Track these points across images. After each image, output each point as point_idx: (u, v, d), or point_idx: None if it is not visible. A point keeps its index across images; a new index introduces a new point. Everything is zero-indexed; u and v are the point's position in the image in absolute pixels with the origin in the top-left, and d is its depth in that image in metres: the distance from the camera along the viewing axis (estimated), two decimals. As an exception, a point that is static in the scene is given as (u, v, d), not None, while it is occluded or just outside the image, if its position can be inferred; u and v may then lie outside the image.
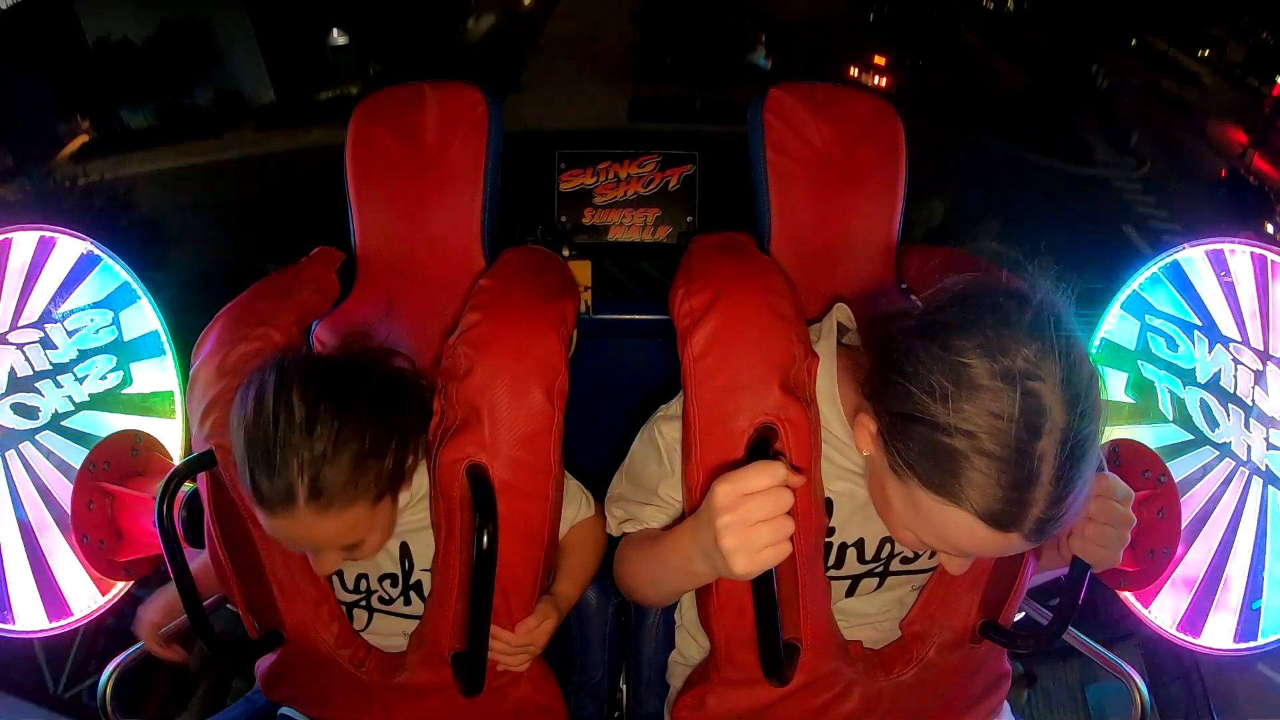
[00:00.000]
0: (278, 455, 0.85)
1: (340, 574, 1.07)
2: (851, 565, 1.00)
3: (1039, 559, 0.99)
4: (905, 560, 1.00)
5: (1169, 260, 1.29)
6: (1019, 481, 0.69)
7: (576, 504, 1.14)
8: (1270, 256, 1.21)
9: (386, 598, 1.07)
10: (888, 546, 0.99)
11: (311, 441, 0.86)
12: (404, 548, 1.05)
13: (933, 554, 1.00)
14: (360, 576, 1.07)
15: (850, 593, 1.01)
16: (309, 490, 0.86)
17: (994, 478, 0.69)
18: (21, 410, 1.31)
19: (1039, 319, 0.71)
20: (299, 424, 0.86)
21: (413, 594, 1.07)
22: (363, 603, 1.08)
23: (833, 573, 0.99)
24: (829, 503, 0.96)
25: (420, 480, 1.03)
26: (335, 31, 15.28)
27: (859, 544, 0.99)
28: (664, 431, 1.02)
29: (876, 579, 1.01)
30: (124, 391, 1.35)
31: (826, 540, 0.97)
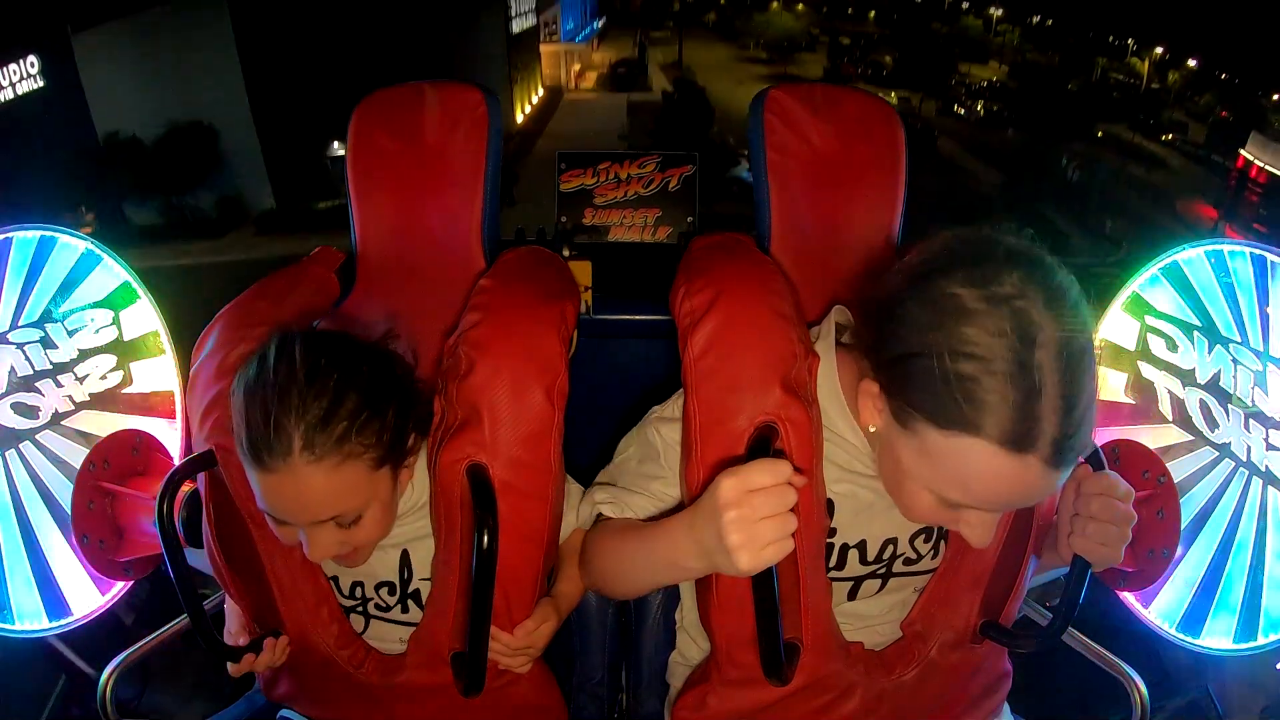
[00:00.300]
0: (275, 407, 0.84)
1: (336, 580, 1.06)
2: (853, 567, 0.99)
3: (1039, 557, 0.99)
4: (908, 561, 1.00)
5: (1169, 260, 1.29)
6: (1025, 395, 0.69)
7: (577, 508, 1.14)
8: (1270, 257, 1.21)
9: (383, 605, 1.07)
10: (890, 548, 0.99)
11: (309, 392, 0.84)
12: (404, 556, 1.05)
13: (935, 554, 1.00)
14: (356, 584, 1.06)
15: (852, 595, 1.01)
16: (304, 439, 0.84)
17: (1000, 394, 0.69)
18: (21, 410, 1.31)
19: (1016, 252, 0.73)
20: (299, 378, 0.85)
21: (410, 602, 1.07)
22: (359, 609, 1.08)
23: (834, 574, 0.99)
24: (830, 504, 0.96)
25: (421, 488, 1.03)
26: (336, 144, 15.49)
27: (861, 545, 0.99)
28: (662, 432, 1.02)
29: (879, 580, 1.01)
30: (124, 391, 1.35)
31: (828, 541, 0.97)
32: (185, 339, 1.24)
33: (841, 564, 0.99)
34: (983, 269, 0.72)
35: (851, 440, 0.95)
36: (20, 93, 12.44)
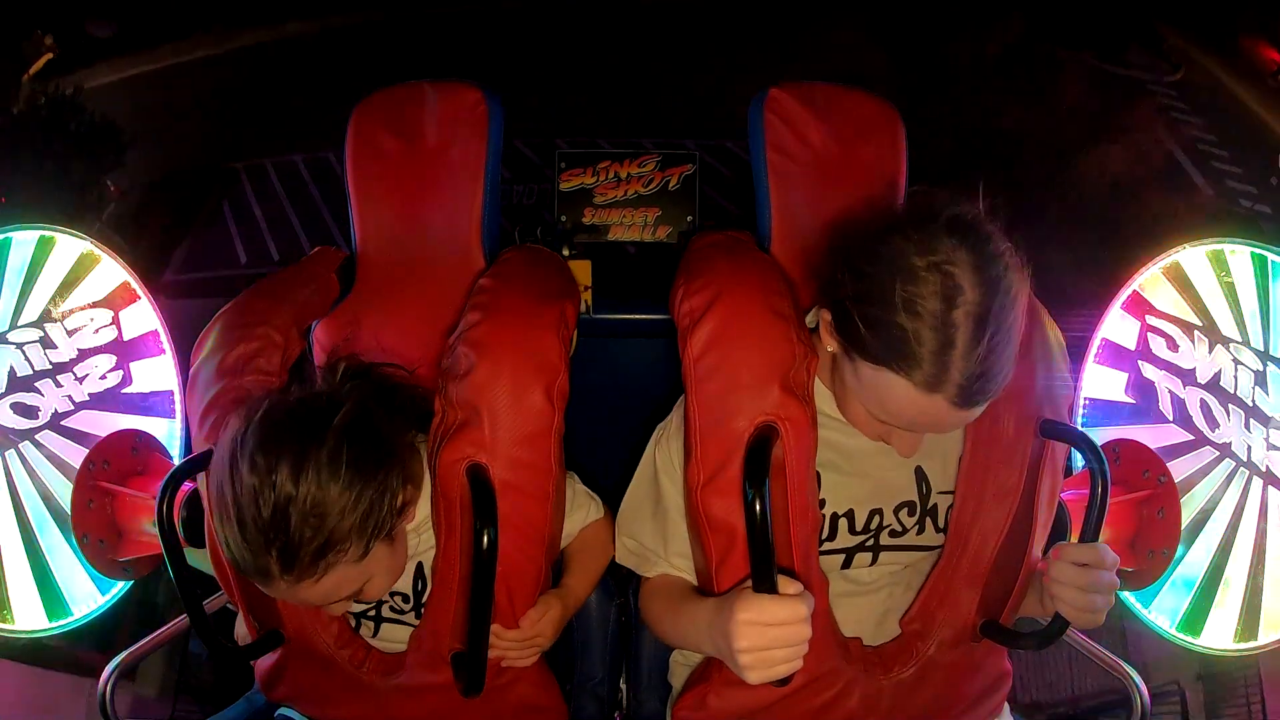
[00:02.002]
0: (241, 529, 0.82)
1: None
2: (844, 537, 1.00)
3: (1023, 598, 1.00)
4: (894, 534, 1.01)
5: (1169, 260, 1.29)
6: (941, 346, 0.79)
7: (585, 509, 1.14)
8: (1270, 256, 1.21)
9: (397, 609, 1.07)
10: (876, 518, 1.00)
11: (276, 524, 0.82)
12: (419, 569, 1.04)
13: (920, 530, 1.01)
14: None
15: (846, 565, 1.02)
16: (280, 565, 0.82)
17: (916, 343, 0.80)
18: (21, 410, 1.31)
19: (958, 220, 0.82)
20: (258, 496, 0.82)
21: (424, 610, 1.06)
22: (370, 613, 1.07)
23: (827, 546, 1.00)
24: (817, 475, 0.97)
25: (430, 503, 1.02)
26: None
27: (849, 515, 1.00)
28: (665, 447, 1.04)
29: (870, 554, 1.01)
30: (124, 391, 1.35)
31: (819, 512, 0.98)
32: (185, 339, 1.24)
33: (833, 534, 1.00)
34: (927, 232, 0.82)
35: (829, 411, 0.98)
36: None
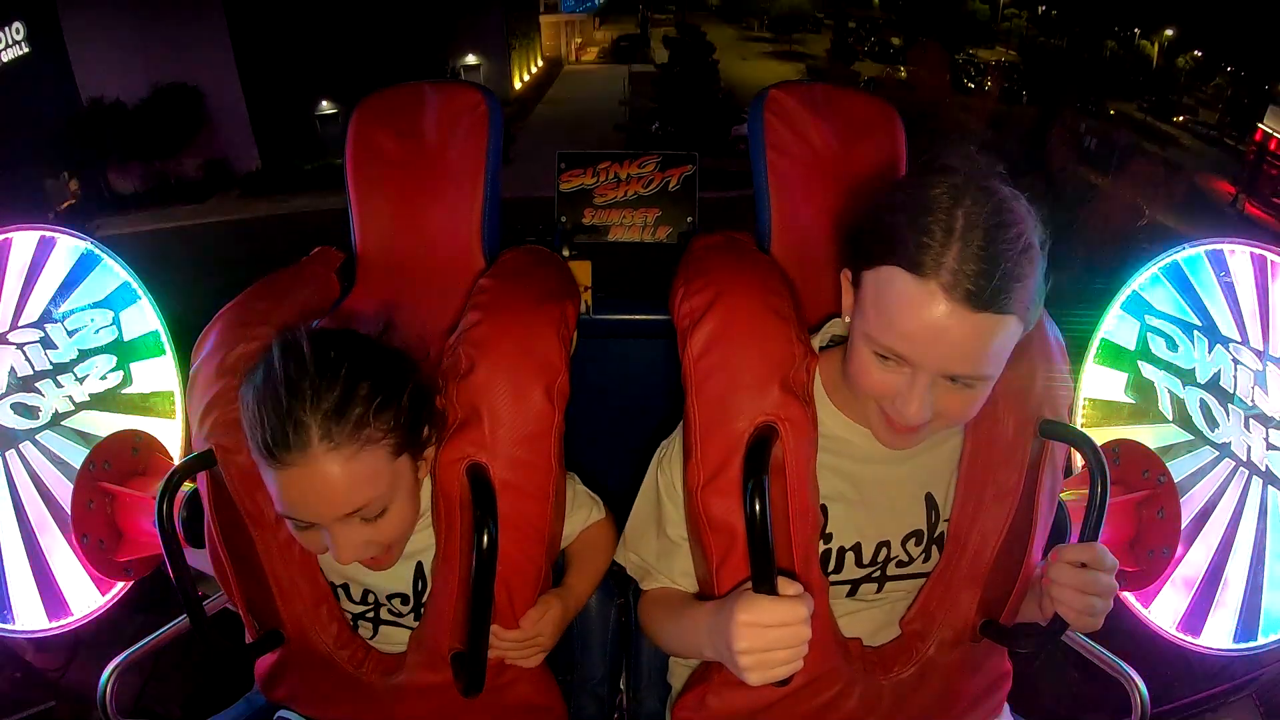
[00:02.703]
0: (289, 401, 0.83)
1: (346, 588, 1.06)
2: (850, 570, 1.00)
3: (1022, 598, 0.99)
4: (900, 564, 1.00)
5: (1169, 260, 1.29)
6: (939, 233, 0.78)
7: (586, 510, 1.14)
8: (1270, 256, 1.21)
9: (396, 612, 1.07)
10: (883, 550, 0.99)
11: (322, 382, 0.84)
12: (418, 568, 1.04)
13: (926, 558, 1.00)
14: (367, 591, 1.06)
15: (851, 594, 1.02)
16: (322, 429, 0.83)
17: (917, 230, 0.79)
18: (21, 410, 1.31)
19: (972, 159, 0.83)
20: (310, 371, 0.84)
21: (424, 610, 1.06)
22: (369, 614, 1.07)
23: (833, 578, 0.99)
24: (824, 509, 0.97)
25: (429, 496, 1.02)
26: (325, 102, 15.30)
27: (856, 548, 0.99)
28: (667, 470, 1.04)
29: (875, 584, 1.01)
30: (124, 391, 1.35)
31: (825, 547, 0.98)
32: (185, 339, 1.24)
33: (839, 567, 0.99)
34: (939, 169, 0.82)
35: (844, 436, 0.96)
36: (5, 59, 12.32)
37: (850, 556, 0.99)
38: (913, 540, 0.99)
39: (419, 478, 0.97)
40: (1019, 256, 0.78)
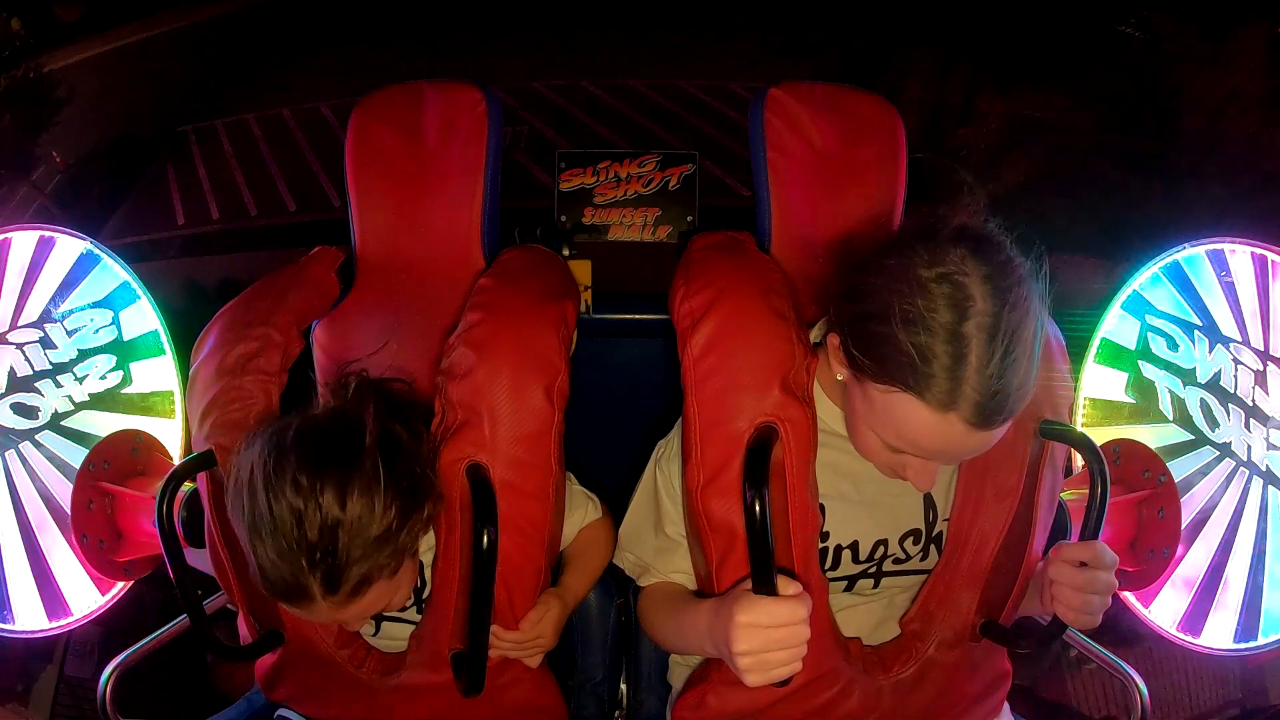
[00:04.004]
0: (286, 563, 0.82)
1: None
2: (847, 566, 1.00)
3: (1022, 598, 0.99)
4: (898, 561, 1.00)
5: (1169, 260, 1.29)
6: (950, 361, 0.76)
7: (583, 509, 1.14)
8: (1270, 256, 1.21)
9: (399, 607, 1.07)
10: (881, 548, 0.99)
11: (319, 546, 0.82)
12: (421, 568, 1.04)
13: (924, 556, 1.00)
14: None
15: (848, 589, 1.02)
16: (323, 587, 0.84)
17: (927, 359, 0.76)
18: (21, 410, 1.31)
19: (966, 229, 0.80)
20: (305, 515, 0.82)
21: (424, 610, 1.06)
22: None
23: (830, 574, 0.99)
24: (822, 507, 0.97)
25: None
26: None
27: (853, 546, 0.99)
28: (665, 469, 1.04)
29: (872, 580, 1.01)
30: (124, 391, 1.35)
31: (822, 545, 0.98)
32: (185, 339, 1.24)
33: (835, 564, 0.99)
34: (935, 243, 0.79)
35: (839, 431, 0.96)
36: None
37: (847, 554, 0.99)
38: (910, 539, 0.99)
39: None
40: (1026, 353, 0.78)
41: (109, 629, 1.37)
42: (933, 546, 1.00)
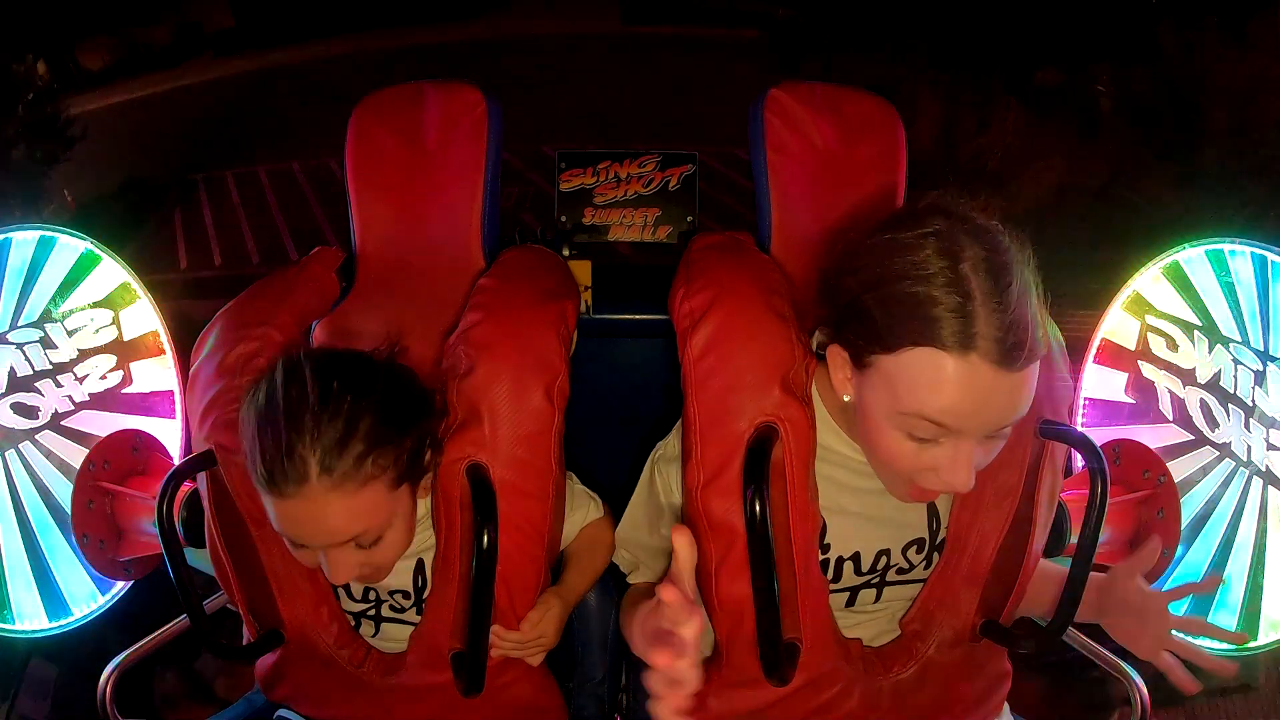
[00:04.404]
0: (290, 433, 0.82)
1: (347, 586, 1.05)
2: (849, 578, 1.00)
3: (1022, 598, 1.00)
4: (901, 571, 1.00)
5: (1169, 260, 1.29)
6: (956, 300, 0.74)
7: (584, 508, 1.14)
8: (1270, 256, 1.21)
9: (398, 607, 1.07)
10: (883, 559, 0.99)
11: (324, 416, 0.83)
12: (419, 565, 1.04)
13: (928, 565, 1.00)
14: (368, 589, 1.06)
15: (850, 604, 1.02)
16: (321, 464, 0.82)
17: (935, 304, 0.75)
18: (21, 410, 1.31)
19: (941, 203, 0.81)
20: (312, 402, 0.83)
21: (425, 610, 1.06)
22: (370, 613, 1.07)
23: (831, 587, 0.99)
24: (823, 521, 0.96)
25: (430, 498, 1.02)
26: None
27: (855, 557, 0.99)
28: (663, 470, 1.04)
29: (874, 590, 1.01)
30: (124, 391, 1.35)
31: (823, 557, 0.97)
32: (185, 339, 1.24)
33: (838, 576, 0.99)
34: (913, 216, 0.80)
35: (842, 450, 0.95)
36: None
37: (849, 566, 0.99)
38: (914, 548, 0.99)
39: (418, 500, 0.97)
40: (1026, 290, 0.77)
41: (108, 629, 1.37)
42: (935, 554, 1.00)
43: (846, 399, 0.87)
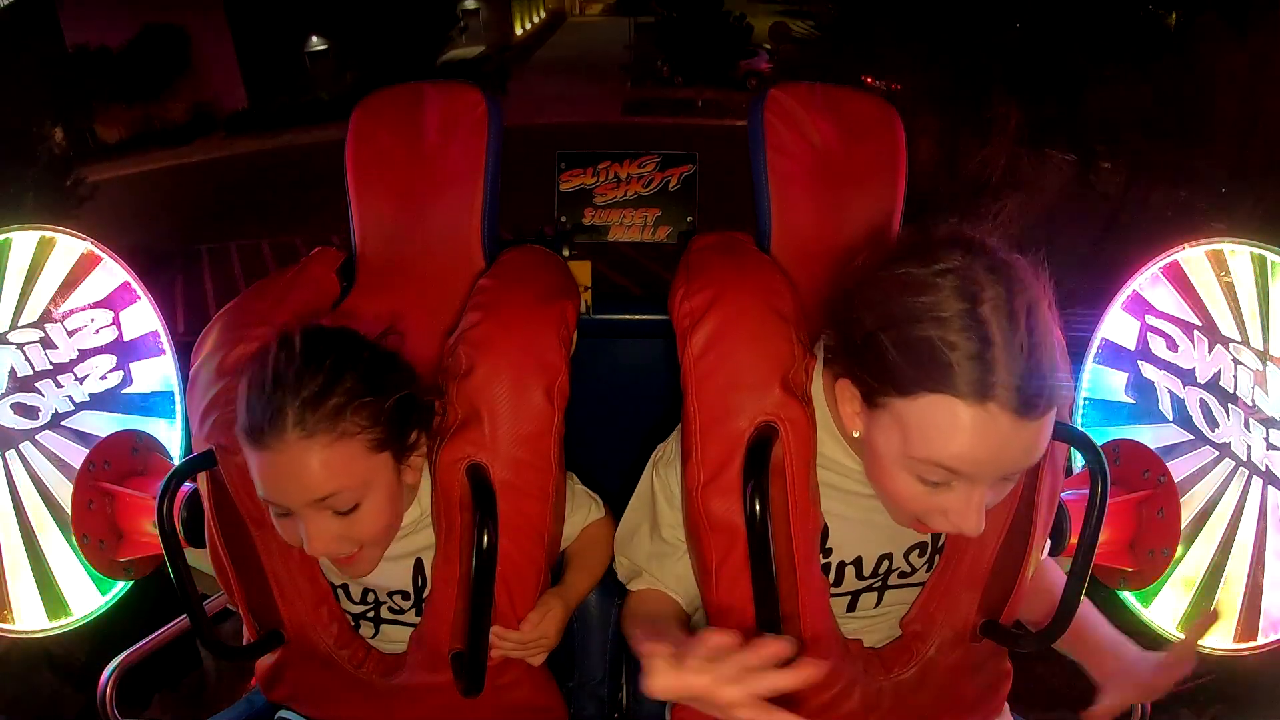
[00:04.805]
0: (271, 387, 0.85)
1: (346, 588, 1.06)
2: (850, 582, 1.00)
3: (1022, 599, 1.00)
4: (903, 575, 1.00)
5: (1169, 260, 1.29)
6: (974, 346, 0.72)
7: (585, 508, 1.14)
8: (1270, 256, 1.21)
9: (397, 609, 1.07)
10: (885, 563, 0.99)
11: (305, 370, 0.85)
12: (418, 564, 1.04)
13: (929, 567, 1.00)
14: (367, 590, 1.06)
15: (851, 608, 1.01)
16: (298, 414, 0.84)
17: (953, 350, 0.72)
18: (21, 410, 1.31)
19: (958, 235, 0.78)
20: (298, 362, 0.86)
21: (424, 610, 1.06)
22: (370, 614, 1.07)
23: (832, 591, 0.99)
24: (824, 527, 0.96)
25: (430, 498, 1.02)
26: (314, 38, 14.87)
27: (857, 562, 0.99)
28: (662, 473, 1.04)
29: (875, 594, 1.01)
30: (124, 391, 1.35)
31: (825, 561, 0.97)
32: (185, 339, 1.24)
33: (839, 580, 0.99)
34: (929, 249, 0.76)
35: (842, 460, 0.94)
36: (-4, 9, 12.09)
37: (850, 570, 0.99)
38: (916, 551, 0.99)
39: (405, 481, 0.95)
40: (1047, 332, 0.75)
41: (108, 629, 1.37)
42: (938, 556, 1.00)
43: (856, 435, 0.86)
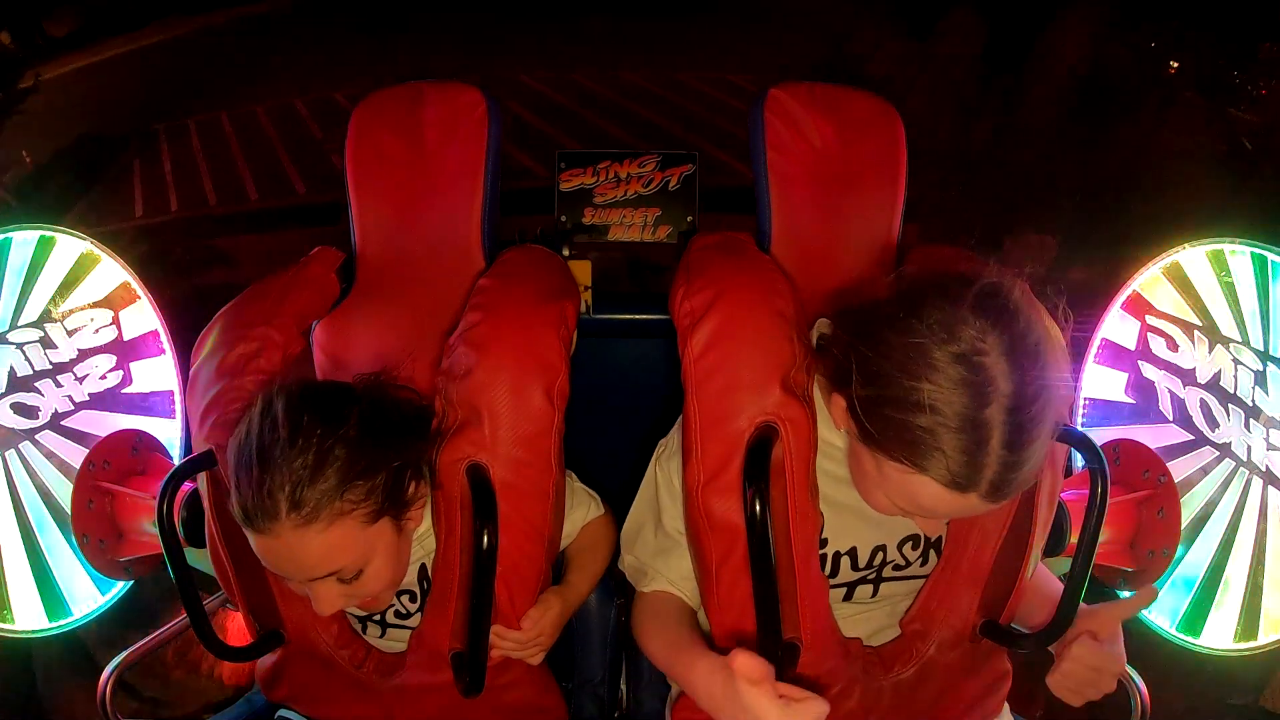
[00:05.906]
0: (260, 470, 0.82)
1: None
2: (846, 573, 1.00)
3: (1022, 599, 1.00)
4: (898, 567, 1.00)
5: (1169, 260, 1.29)
6: (972, 447, 0.75)
7: (585, 507, 1.14)
8: (1270, 256, 1.21)
9: (403, 611, 1.06)
10: (880, 554, 0.99)
11: (293, 451, 0.83)
12: (422, 569, 1.04)
13: (924, 562, 1.01)
14: None
15: (848, 599, 1.02)
16: (290, 501, 0.82)
17: (949, 446, 0.75)
18: (21, 410, 1.31)
19: (983, 297, 0.77)
20: (282, 438, 0.83)
21: (425, 610, 1.05)
22: (376, 616, 1.07)
23: (830, 582, 0.99)
24: (821, 515, 0.96)
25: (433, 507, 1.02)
26: None
27: (852, 552, 0.99)
28: (665, 465, 1.04)
29: (871, 586, 1.01)
30: (124, 391, 1.35)
31: (821, 552, 0.97)
32: (185, 339, 1.24)
33: (835, 571, 0.99)
34: (947, 318, 0.76)
35: (836, 443, 0.95)
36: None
37: (846, 561, 0.99)
38: (909, 544, 0.99)
39: (407, 530, 0.95)
40: (1048, 432, 0.78)
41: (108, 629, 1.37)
42: (932, 551, 1.00)
43: (843, 430, 0.89)
